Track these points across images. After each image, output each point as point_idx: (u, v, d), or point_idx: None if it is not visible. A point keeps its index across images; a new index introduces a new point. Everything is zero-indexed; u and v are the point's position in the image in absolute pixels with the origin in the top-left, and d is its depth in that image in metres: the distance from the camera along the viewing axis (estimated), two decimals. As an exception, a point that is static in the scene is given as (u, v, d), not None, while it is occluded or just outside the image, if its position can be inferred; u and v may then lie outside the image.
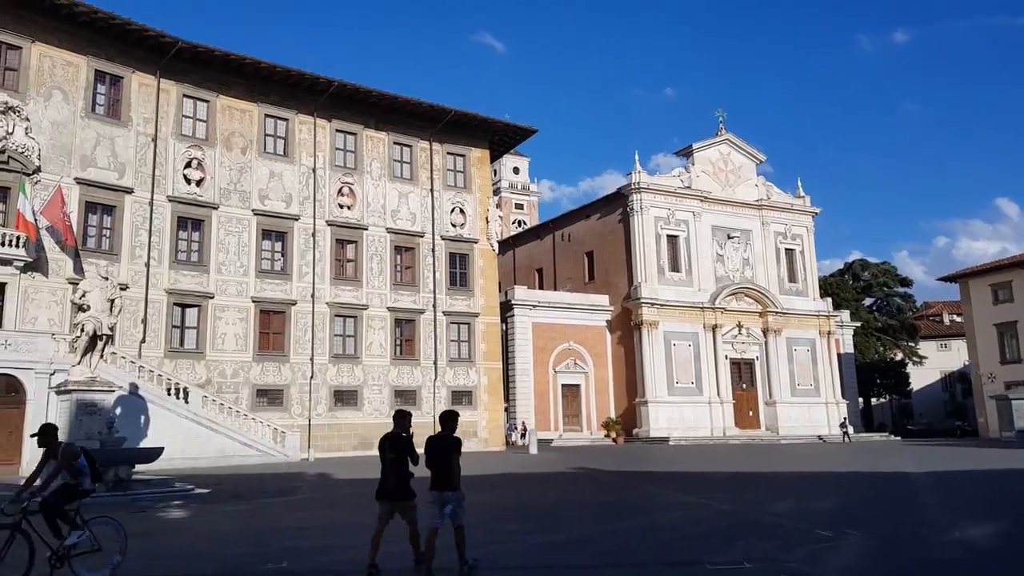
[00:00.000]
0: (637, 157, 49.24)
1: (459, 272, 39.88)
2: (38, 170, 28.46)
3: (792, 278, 52.16)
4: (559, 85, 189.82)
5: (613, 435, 45.10)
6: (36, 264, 27.78)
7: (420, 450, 8.47)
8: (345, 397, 35.13)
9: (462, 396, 38.47)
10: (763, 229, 51.74)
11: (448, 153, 40.52)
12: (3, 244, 26.76)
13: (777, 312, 49.70)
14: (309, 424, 33.36)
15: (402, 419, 8.71)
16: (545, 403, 45.29)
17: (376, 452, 8.77)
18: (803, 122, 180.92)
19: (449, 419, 8.64)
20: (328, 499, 18.27)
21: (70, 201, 28.88)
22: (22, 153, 28.11)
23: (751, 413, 48.58)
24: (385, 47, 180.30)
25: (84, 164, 29.86)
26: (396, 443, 8.49)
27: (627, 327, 47.07)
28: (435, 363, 37.88)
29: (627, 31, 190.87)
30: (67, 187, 28.80)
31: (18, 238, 26.92)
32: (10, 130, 27.97)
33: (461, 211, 40.29)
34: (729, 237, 50.21)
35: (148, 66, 31.84)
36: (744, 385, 48.89)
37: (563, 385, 46.01)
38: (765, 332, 49.63)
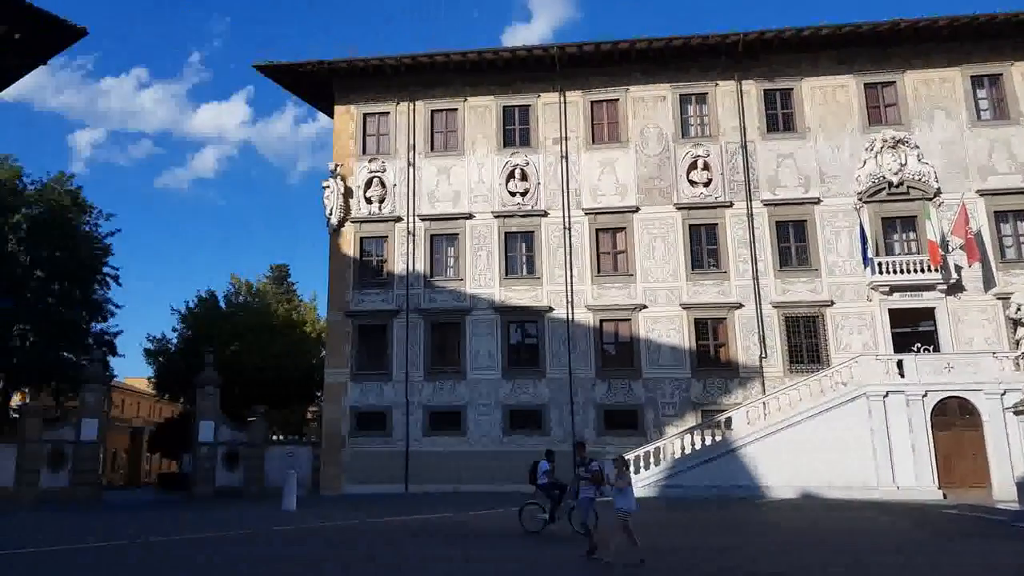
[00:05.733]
0: None
1: None
2: (938, 192, 28.64)
3: None
4: None
5: None
6: (957, 285, 27.69)
7: None
8: None
9: None
10: None
11: None
12: (922, 271, 27.62)
13: None
14: None
15: None
16: None
17: None
18: None
19: None
20: None
21: (977, 215, 28.08)
22: (919, 180, 28.81)
23: None
24: None
25: (983, 174, 28.69)
26: None
27: None
28: None
29: None
30: (970, 202, 28.08)
31: (930, 263, 27.42)
32: (904, 161, 29.06)
33: None
34: None
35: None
36: None
37: None
38: None
